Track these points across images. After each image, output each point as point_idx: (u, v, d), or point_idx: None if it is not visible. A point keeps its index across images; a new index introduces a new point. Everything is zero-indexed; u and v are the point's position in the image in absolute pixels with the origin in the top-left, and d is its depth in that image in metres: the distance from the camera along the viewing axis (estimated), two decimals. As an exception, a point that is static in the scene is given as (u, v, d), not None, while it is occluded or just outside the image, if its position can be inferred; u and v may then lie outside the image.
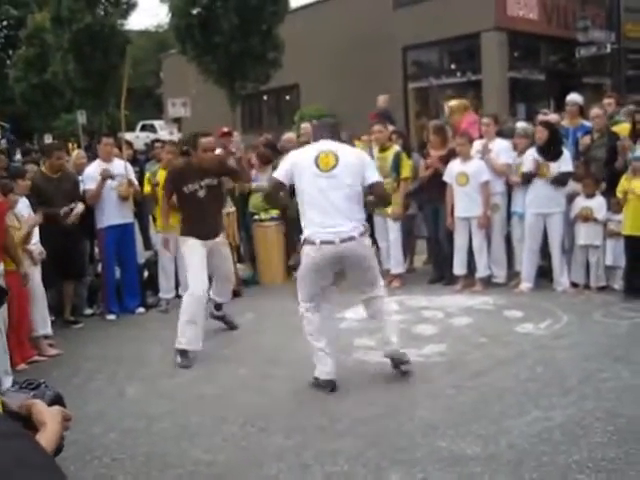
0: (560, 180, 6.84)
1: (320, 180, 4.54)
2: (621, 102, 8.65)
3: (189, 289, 5.57)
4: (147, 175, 7.43)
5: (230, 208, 7.62)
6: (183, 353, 5.43)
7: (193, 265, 5.58)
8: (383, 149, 7.66)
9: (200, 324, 5.50)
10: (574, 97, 8.02)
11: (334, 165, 4.56)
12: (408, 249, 8.20)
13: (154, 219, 7.86)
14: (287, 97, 23.88)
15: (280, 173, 4.74)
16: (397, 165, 7.59)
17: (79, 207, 6.71)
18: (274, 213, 8.03)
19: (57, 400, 1.60)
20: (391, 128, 8.40)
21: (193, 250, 5.60)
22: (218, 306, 6.25)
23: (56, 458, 1.52)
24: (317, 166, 4.56)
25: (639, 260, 6.37)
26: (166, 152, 7.43)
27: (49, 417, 1.49)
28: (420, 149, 8.58)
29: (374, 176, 4.74)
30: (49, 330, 6.00)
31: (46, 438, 1.48)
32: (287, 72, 19.83)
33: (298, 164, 4.65)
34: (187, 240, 5.65)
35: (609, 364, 4.83)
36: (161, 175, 7.18)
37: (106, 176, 6.82)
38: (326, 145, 4.69)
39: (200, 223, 5.64)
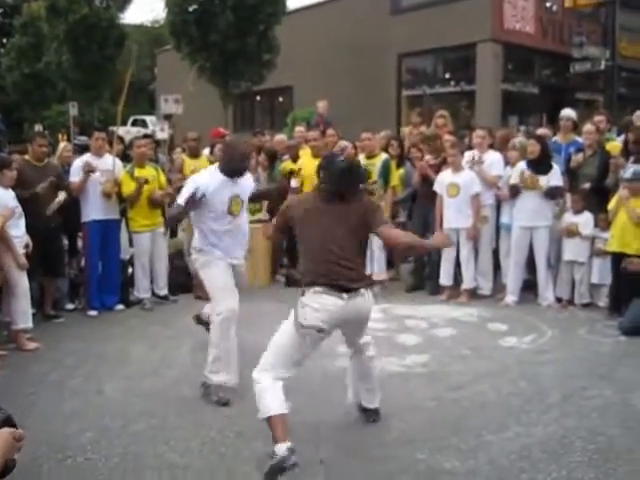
0: (552, 193, 6.85)
1: None
2: (611, 120, 8.67)
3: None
4: (123, 174, 7.02)
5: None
6: None
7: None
8: (371, 156, 7.69)
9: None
10: (568, 112, 8.03)
11: None
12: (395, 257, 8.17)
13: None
14: (280, 99, 23.81)
15: None
16: (385, 172, 7.63)
17: (61, 195, 6.64)
18: (260, 215, 7.97)
19: (7, 422, 1.59)
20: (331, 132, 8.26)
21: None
22: None
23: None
24: None
25: (625, 278, 6.37)
26: (137, 146, 7.20)
27: None
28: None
29: None
30: (30, 324, 5.89)
31: None
32: (281, 74, 19.77)
33: None
34: None
35: (592, 382, 4.82)
36: (140, 172, 7.04)
37: (88, 170, 6.73)
38: None
39: None
